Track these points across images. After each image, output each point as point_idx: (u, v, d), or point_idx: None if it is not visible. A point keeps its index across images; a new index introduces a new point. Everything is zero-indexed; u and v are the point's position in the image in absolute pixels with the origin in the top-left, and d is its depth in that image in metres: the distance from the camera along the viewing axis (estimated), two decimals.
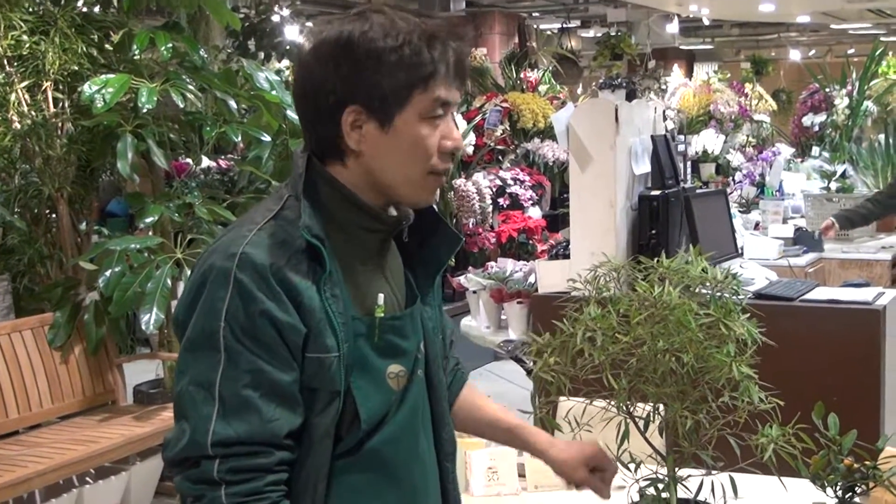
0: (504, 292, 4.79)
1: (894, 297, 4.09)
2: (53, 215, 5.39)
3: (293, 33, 9.44)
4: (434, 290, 1.81)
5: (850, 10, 12.21)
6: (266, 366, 1.52)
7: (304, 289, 1.55)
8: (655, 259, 1.99)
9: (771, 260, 5.54)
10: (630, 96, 4.34)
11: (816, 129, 9.58)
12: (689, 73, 15.69)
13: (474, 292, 5.04)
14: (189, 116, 5.33)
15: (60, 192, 5.18)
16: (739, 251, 4.84)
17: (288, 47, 9.35)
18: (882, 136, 8.59)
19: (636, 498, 2.05)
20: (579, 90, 14.44)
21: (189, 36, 5.42)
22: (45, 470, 4.33)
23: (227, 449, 1.50)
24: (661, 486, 2.01)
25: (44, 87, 5.08)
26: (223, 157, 8.65)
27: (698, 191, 4.94)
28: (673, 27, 14.20)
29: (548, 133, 9.89)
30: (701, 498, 2.05)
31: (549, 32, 15.06)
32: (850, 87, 9.45)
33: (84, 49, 5.08)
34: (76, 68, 5.05)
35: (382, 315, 1.64)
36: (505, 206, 8.86)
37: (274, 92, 5.41)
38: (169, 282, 4.77)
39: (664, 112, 4.69)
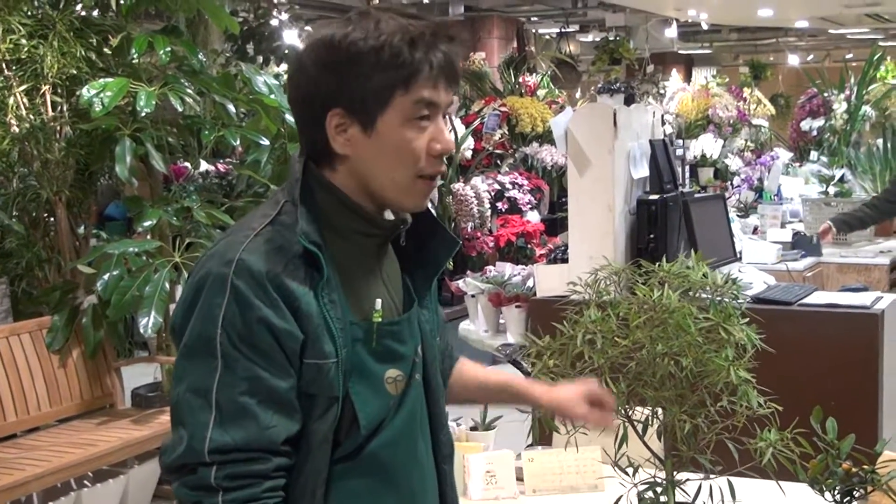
0: (502, 296, 4.80)
1: (892, 301, 4.09)
2: (52, 219, 5.39)
3: (292, 37, 9.45)
4: (431, 293, 1.80)
5: (849, 15, 12.21)
6: (263, 372, 1.52)
7: (302, 295, 1.55)
8: (656, 263, 2.00)
9: (769, 264, 5.54)
10: (628, 101, 4.34)
11: (815, 133, 9.59)
12: (688, 78, 15.72)
13: (473, 296, 5.04)
14: (187, 120, 5.34)
15: (59, 195, 5.18)
16: (738, 255, 4.84)
17: (286, 51, 9.35)
18: (880, 141, 8.61)
19: (635, 502, 2.05)
20: (578, 94, 14.44)
21: (188, 40, 5.42)
22: (43, 473, 4.32)
23: (225, 456, 1.49)
24: (659, 489, 2.01)
25: (42, 91, 5.08)
26: (222, 160, 8.65)
27: (697, 195, 4.94)
28: (671, 32, 14.22)
29: (546, 137, 9.89)
30: (699, 502, 2.05)
31: (547, 37, 15.09)
32: (848, 92, 9.46)
33: (83, 53, 5.08)
34: (75, 72, 5.05)
35: (380, 320, 1.63)
36: (503, 210, 8.87)
37: (272, 96, 5.41)
38: (167, 285, 4.77)
39: (662, 116, 4.69)
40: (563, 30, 14.16)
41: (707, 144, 10.09)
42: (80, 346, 5.08)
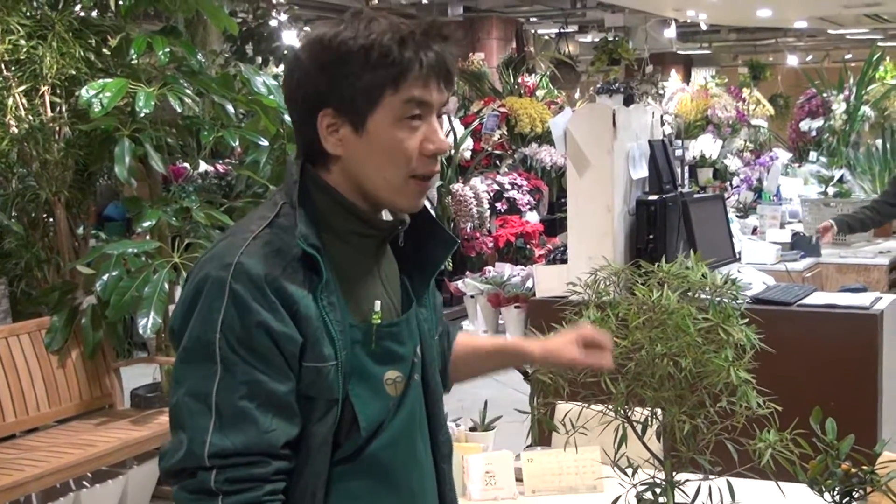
0: (501, 297, 4.80)
1: (892, 301, 4.09)
2: (51, 219, 5.39)
3: (291, 38, 9.44)
4: (429, 291, 1.80)
5: (848, 16, 12.23)
6: (262, 376, 1.51)
7: (300, 298, 1.54)
8: (656, 263, 2.00)
9: (768, 265, 5.54)
10: (628, 101, 4.35)
11: (814, 133, 9.60)
12: (687, 78, 15.73)
13: (472, 296, 5.05)
14: (187, 121, 5.33)
15: (58, 196, 5.18)
16: (737, 256, 4.84)
17: (286, 52, 9.34)
18: (879, 141, 8.61)
19: (634, 502, 2.05)
20: (577, 95, 14.45)
21: (187, 40, 5.42)
22: (43, 474, 4.32)
23: (225, 460, 1.49)
24: (658, 490, 2.01)
25: (41, 92, 5.08)
26: (221, 161, 8.65)
27: (696, 195, 4.95)
28: (670, 32, 14.23)
29: (545, 138, 9.91)
30: (698, 503, 2.05)
31: (546, 37, 15.10)
32: (847, 92, 9.46)
33: (81, 53, 5.07)
34: (74, 72, 5.04)
35: (379, 322, 1.63)
36: (503, 210, 8.87)
37: (271, 96, 5.41)
38: (166, 286, 4.77)
39: (662, 117, 4.69)
40: (562, 30, 14.17)
41: (706, 145, 10.10)
42: (80, 347, 5.08)
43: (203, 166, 8.04)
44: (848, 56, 15.09)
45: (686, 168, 8.60)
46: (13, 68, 5.06)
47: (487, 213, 8.58)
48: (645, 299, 1.92)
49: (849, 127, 9.27)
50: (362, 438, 1.60)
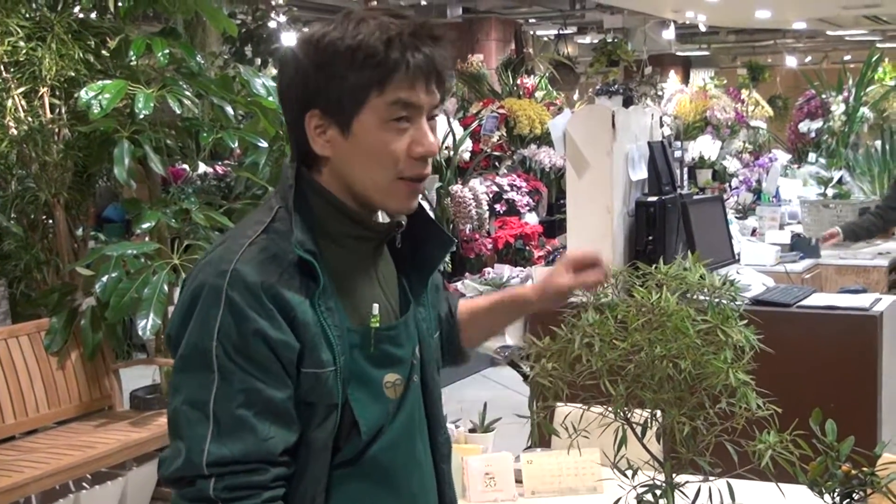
0: None
1: (891, 303, 4.09)
2: (50, 221, 5.39)
3: (290, 39, 9.44)
4: (427, 290, 1.79)
5: (846, 17, 12.23)
6: (260, 384, 1.51)
7: (297, 304, 1.54)
8: (654, 265, 1.99)
9: (768, 266, 5.54)
10: (627, 102, 4.36)
11: (813, 135, 9.61)
12: (686, 80, 15.71)
13: (471, 298, 5.04)
14: (186, 122, 5.33)
15: (57, 197, 5.18)
16: (736, 257, 4.84)
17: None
18: (878, 143, 8.62)
19: None
20: (576, 96, 14.45)
21: (186, 42, 5.42)
22: (42, 475, 4.32)
23: (223, 468, 1.49)
24: (658, 492, 2.01)
25: (40, 93, 5.08)
26: (220, 162, 8.65)
27: (695, 197, 4.95)
28: (669, 33, 14.22)
29: (544, 139, 9.90)
30: None
31: (545, 39, 15.10)
32: (846, 94, 9.47)
33: (81, 55, 5.07)
34: (73, 74, 5.04)
35: (378, 325, 1.62)
36: (502, 212, 8.87)
37: (270, 98, 5.40)
38: (166, 287, 4.76)
39: (661, 118, 4.70)
40: (560, 32, 14.17)
41: (705, 146, 10.10)
42: (79, 348, 5.08)
43: (202, 168, 8.04)
44: (847, 57, 15.12)
45: (685, 169, 8.61)
46: (12, 70, 5.06)
47: (486, 215, 8.58)
48: (644, 301, 1.92)
49: (848, 128, 9.28)
50: (362, 442, 1.60)
